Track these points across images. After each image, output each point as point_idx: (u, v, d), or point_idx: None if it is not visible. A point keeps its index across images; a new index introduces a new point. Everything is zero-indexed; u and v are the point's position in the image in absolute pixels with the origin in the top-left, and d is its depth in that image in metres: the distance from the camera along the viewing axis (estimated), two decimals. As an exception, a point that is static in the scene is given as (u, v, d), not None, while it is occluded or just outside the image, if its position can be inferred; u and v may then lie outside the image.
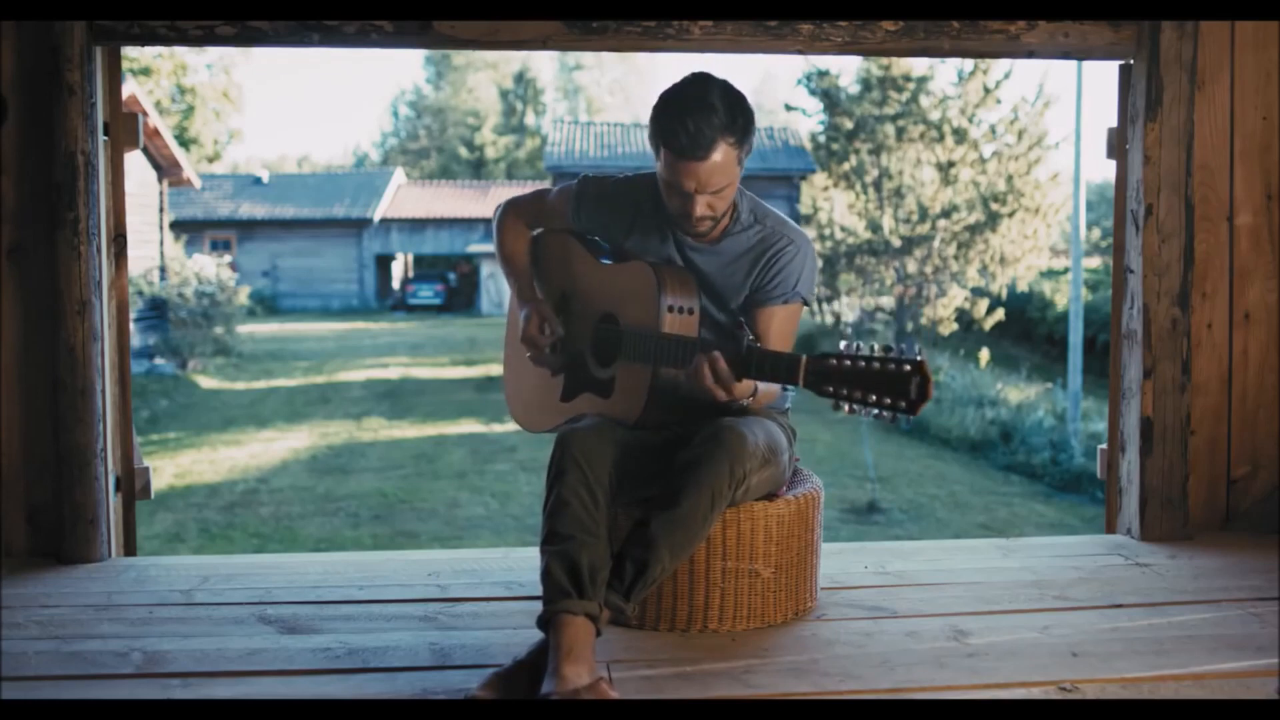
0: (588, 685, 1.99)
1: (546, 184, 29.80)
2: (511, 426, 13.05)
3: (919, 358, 1.86)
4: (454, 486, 10.41)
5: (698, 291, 2.44)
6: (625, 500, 2.34)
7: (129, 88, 16.62)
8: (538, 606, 2.15)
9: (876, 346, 1.92)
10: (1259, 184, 3.22)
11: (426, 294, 32.43)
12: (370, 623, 2.50)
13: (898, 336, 17.38)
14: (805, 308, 2.52)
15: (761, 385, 2.32)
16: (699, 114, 2.23)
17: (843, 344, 1.97)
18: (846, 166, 17.56)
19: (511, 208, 2.74)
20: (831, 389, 1.95)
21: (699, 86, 2.28)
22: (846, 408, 1.94)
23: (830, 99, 17.54)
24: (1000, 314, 17.34)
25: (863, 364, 1.92)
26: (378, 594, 2.70)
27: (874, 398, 1.89)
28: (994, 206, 16.68)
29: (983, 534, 9.09)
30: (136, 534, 3.18)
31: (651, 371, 2.38)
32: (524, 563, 2.94)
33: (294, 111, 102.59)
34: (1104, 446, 3.37)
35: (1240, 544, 3.10)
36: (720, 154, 2.25)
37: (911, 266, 17.19)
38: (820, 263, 17.82)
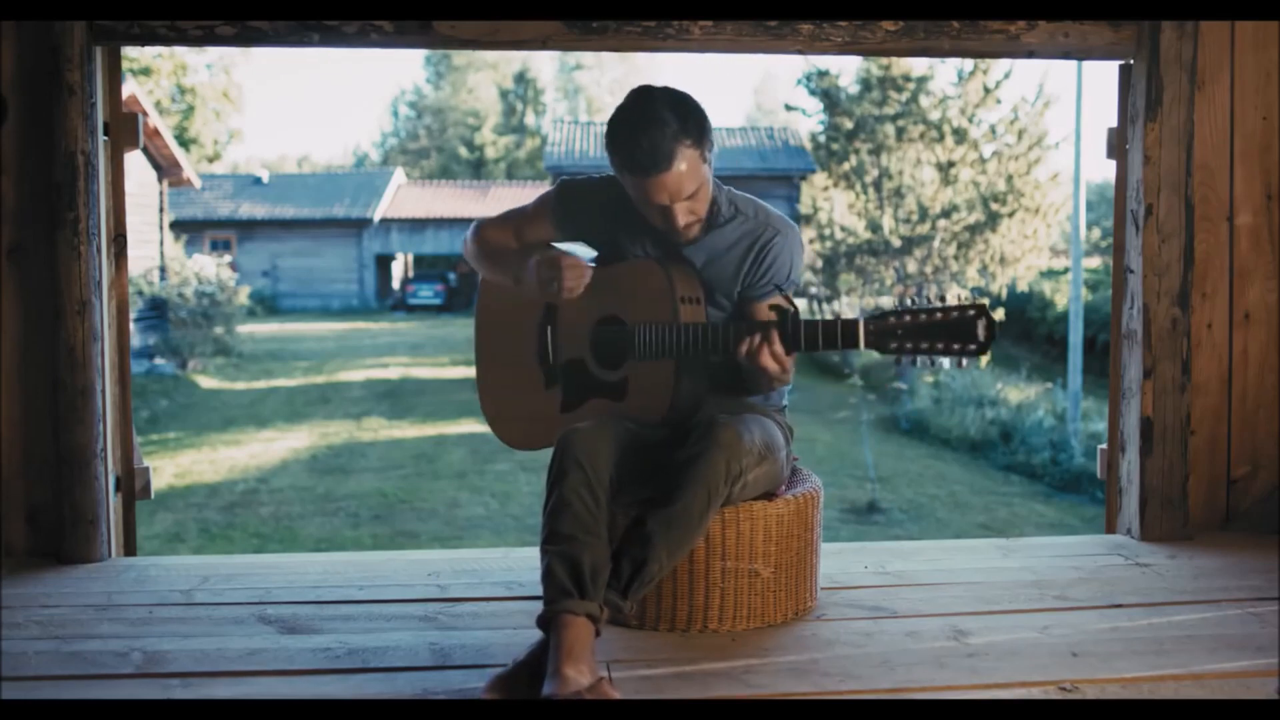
0: (589, 686, 1.99)
1: (546, 184, 29.81)
2: (511, 426, 13.04)
3: (981, 300, 2.01)
4: (454, 486, 10.40)
5: (700, 280, 2.46)
6: (625, 500, 2.34)
7: (129, 88, 16.63)
8: (538, 606, 2.15)
9: (931, 298, 2.05)
10: (1259, 184, 3.22)
11: (426, 294, 32.40)
12: (370, 623, 2.50)
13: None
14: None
15: None
16: (650, 129, 2.22)
17: (892, 301, 2.07)
18: (846, 166, 17.58)
19: (483, 224, 2.65)
20: (895, 345, 2.08)
21: (642, 102, 2.28)
22: (915, 360, 2.07)
23: (830, 99, 17.56)
24: (1000, 314, 17.34)
25: (924, 317, 2.04)
26: (378, 594, 2.70)
27: (941, 345, 2.03)
28: (994, 206, 16.70)
29: (983, 534, 9.09)
30: (136, 534, 3.18)
31: (675, 366, 2.39)
32: (524, 563, 2.94)
33: (294, 111, 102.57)
34: (1104, 446, 3.37)
35: (1240, 544, 3.10)
36: (683, 161, 2.25)
37: (911, 266, 17.19)
38: (819, 261, 17.86)
